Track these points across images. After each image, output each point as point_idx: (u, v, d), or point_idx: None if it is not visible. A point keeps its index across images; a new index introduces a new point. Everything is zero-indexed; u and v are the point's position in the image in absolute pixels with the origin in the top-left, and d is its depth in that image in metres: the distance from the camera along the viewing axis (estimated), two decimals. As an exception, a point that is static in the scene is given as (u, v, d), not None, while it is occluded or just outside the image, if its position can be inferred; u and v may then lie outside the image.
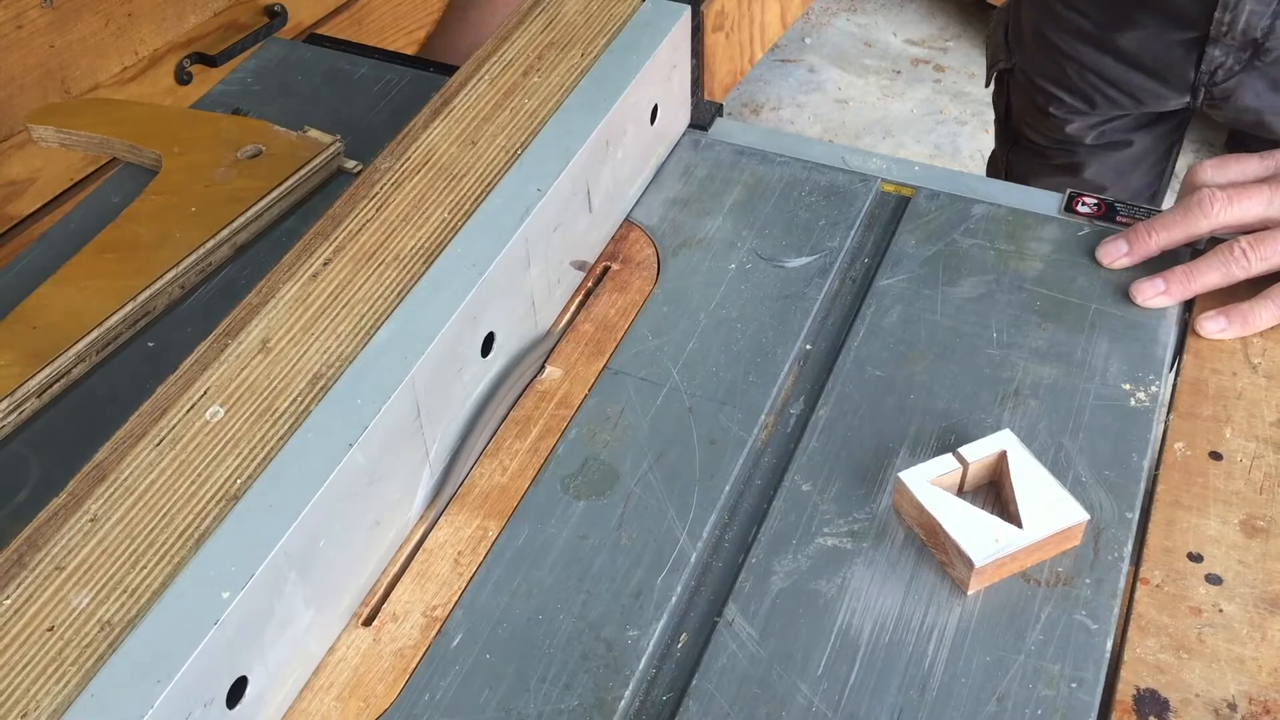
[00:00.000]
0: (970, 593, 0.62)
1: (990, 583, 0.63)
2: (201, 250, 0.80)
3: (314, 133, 0.88)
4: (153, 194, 0.84)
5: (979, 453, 0.66)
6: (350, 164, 0.88)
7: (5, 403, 0.71)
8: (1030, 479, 0.65)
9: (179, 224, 0.82)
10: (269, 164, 0.86)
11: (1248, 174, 0.74)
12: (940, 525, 0.63)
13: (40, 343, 0.74)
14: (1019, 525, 0.63)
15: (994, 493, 0.67)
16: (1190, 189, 0.75)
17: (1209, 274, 0.72)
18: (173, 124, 0.91)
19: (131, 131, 0.89)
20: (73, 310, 0.76)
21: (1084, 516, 0.63)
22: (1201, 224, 0.72)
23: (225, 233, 0.81)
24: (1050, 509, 0.63)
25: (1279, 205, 0.71)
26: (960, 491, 0.67)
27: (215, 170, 0.85)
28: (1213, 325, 0.72)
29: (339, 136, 0.88)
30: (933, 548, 0.64)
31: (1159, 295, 0.73)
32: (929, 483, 0.65)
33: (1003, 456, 0.66)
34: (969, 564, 0.61)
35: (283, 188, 0.84)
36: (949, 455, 0.66)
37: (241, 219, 0.82)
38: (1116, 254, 0.75)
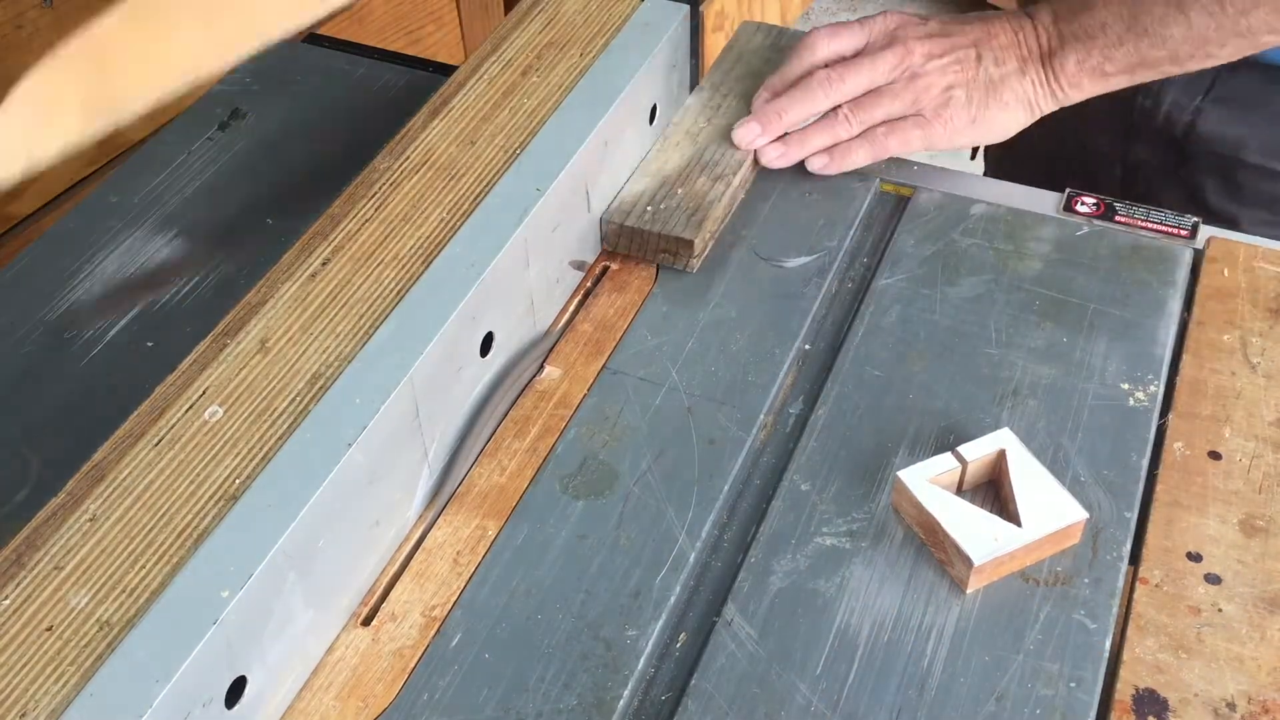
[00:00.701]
0: (969, 591, 0.62)
1: (989, 581, 0.63)
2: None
3: None
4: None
5: (978, 451, 0.66)
6: None
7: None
8: (1029, 478, 0.65)
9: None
10: None
11: (854, 41, 0.85)
12: (939, 524, 0.63)
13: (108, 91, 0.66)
14: (1018, 524, 0.63)
15: (993, 491, 0.67)
16: (806, 57, 0.85)
17: (820, 136, 0.84)
18: None
19: None
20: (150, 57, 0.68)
21: (1083, 515, 0.63)
22: (823, 105, 0.83)
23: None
24: (1049, 508, 0.63)
25: (879, 73, 0.83)
26: (959, 490, 0.67)
27: None
28: (817, 162, 0.84)
29: None
30: (932, 546, 0.64)
31: (780, 157, 0.84)
32: (928, 481, 0.65)
33: (1001, 455, 0.66)
34: (968, 563, 0.61)
35: None
36: (948, 454, 0.66)
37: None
38: (751, 135, 0.83)
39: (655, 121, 0.84)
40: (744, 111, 0.86)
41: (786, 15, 2.56)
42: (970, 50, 0.82)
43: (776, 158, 0.84)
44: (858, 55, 0.84)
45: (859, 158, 0.83)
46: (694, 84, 0.90)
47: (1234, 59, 0.80)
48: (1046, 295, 0.77)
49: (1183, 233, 0.81)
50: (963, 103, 0.82)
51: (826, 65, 0.84)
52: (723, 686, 0.59)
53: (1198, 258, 0.80)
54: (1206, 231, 0.81)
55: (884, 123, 0.83)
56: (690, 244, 0.78)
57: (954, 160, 0.89)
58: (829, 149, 0.84)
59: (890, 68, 0.82)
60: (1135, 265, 0.79)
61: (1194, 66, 0.80)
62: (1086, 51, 0.81)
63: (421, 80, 0.96)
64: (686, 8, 0.85)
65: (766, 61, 0.91)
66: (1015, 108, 0.83)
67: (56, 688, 0.51)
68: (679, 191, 0.82)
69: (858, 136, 0.83)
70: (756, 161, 0.85)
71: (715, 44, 2.27)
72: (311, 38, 1.07)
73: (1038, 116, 0.84)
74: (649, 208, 0.80)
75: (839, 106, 0.83)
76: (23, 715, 0.50)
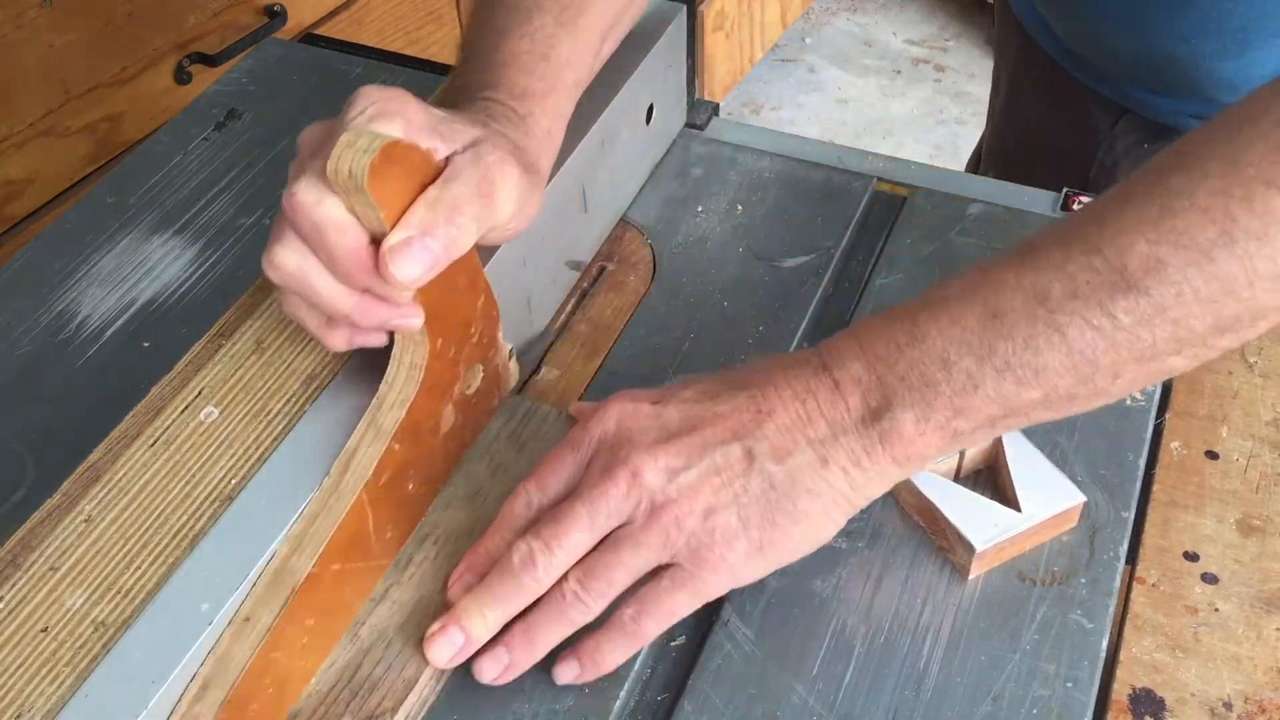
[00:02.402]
0: (970, 578, 0.63)
1: (990, 566, 0.63)
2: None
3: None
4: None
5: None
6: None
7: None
8: (1026, 463, 0.65)
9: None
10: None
11: (563, 478, 0.60)
12: (940, 511, 0.63)
13: None
14: (1017, 509, 0.63)
15: (991, 478, 0.67)
16: (508, 522, 0.60)
17: (550, 631, 0.58)
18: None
19: None
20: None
21: (1080, 498, 0.64)
22: (537, 589, 0.57)
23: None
24: (1047, 492, 0.64)
25: (603, 517, 0.57)
26: (957, 478, 0.67)
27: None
28: (567, 674, 0.58)
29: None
30: (933, 534, 0.64)
31: (505, 672, 0.58)
32: (926, 469, 0.65)
33: (998, 442, 0.66)
34: (970, 549, 0.62)
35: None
36: None
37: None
38: (450, 653, 0.57)
39: (651, 123, 0.84)
40: (454, 559, 0.61)
41: (786, 16, 2.56)
42: (731, 446, 0.57)
43: (497, 676, 0.58)
44: (573, 493, 0.58)
45: (615, 657, 0.58)
46: (691, 84, 0.89)
47: (1123, 395, 0.56)
48: (1044, 295, 0.77)
49: (1180, 232, 0.81)
50: (735, 529, 0.56)
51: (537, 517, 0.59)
52: (719, 687, 0.59)
53: (1195, 257, 0.80)
54: (1204, 231, 0.81)
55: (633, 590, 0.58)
56: None
57: (952, 160, 0.88)
58: (576, 652, 0.58)
59: (618, 505, 0.57)
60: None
61: (1077, 410, 0.56)
62: (927, 405, 0.55)
63: (419, 80, 0.96)
64: (683, 7, 0.85)
65: (496, 472, 0.65)
66: (822, 513, 0.57)
67: (52, 689, 0.51)
68: None
69: (605, 627, 0.58)
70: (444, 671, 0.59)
71: (715, 44, 2.27)
72: (308, 38, 1.08)
73: (865, 505, 0.59)
74: None
75: (564, 580, 0.57)
76: (18, 716, 0.50)
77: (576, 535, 0.57)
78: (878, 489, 0.58)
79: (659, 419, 0.58)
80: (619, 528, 0.57)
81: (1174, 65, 0.86)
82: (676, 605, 0.57)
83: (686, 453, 0.57)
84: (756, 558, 0.57)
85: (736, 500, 0.56)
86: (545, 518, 0.58)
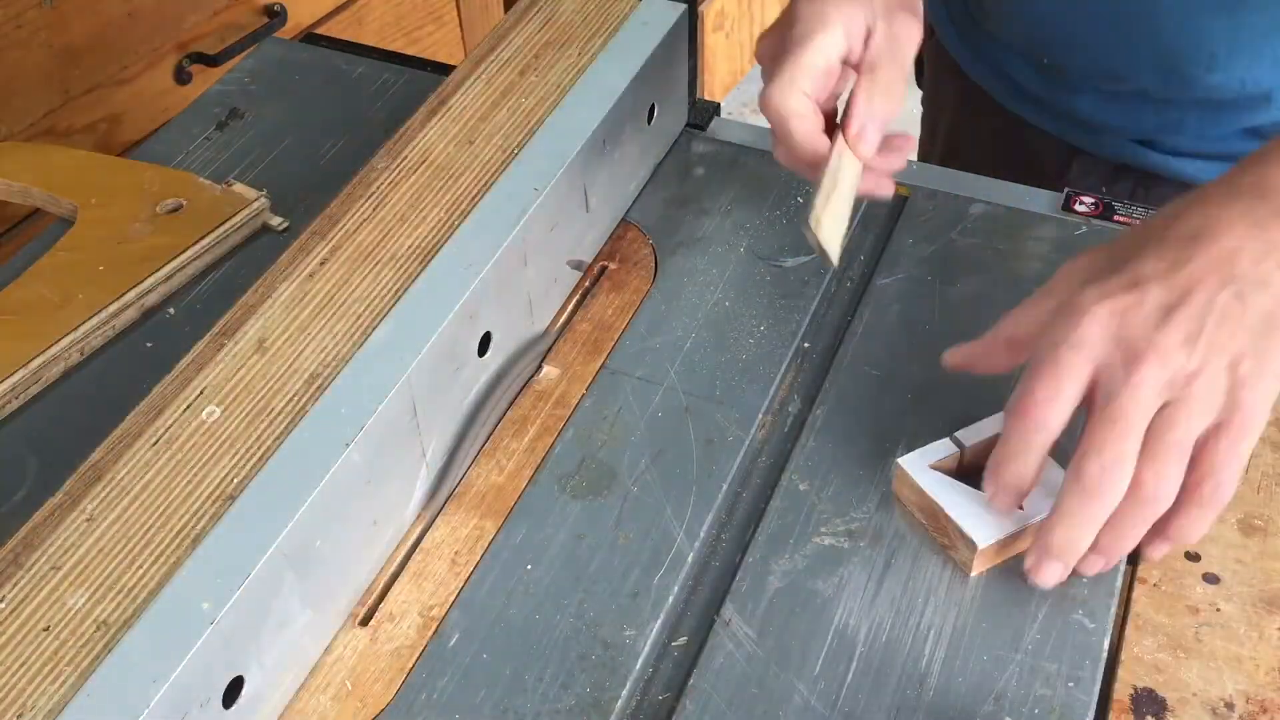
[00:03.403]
0: (973, 575, 0.63)
1: (992, 564, 0.63)
2: (104, 313, 0.76)
3: (239, 187, 0.85)
4: (62, 250, 0.79)
5: (975, 436, 0.66)
6: (276, 221, 0.84)
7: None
8: None
9: (85, 284, 0.77)
10: (188, 220, 0.82)
11: (1066, 402, 0.60)
12: (941, 508, 0.63)
13: None
14: (1019, 506, 0.63)
15: None
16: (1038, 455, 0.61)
17: (1139, 527, 0.59)
18: (94, 173, 0.87)
19: (50, 180, 0.85)
20: None
21: None
22: (1116, 500, 0.59)
23: (131, 294, 0.77)
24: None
25: (1143, 423, 0.58)
26: (958, 475, 0.67)
27: (131, 225, 0.81)
28: (1159, 549, 0.62)
29: (264, 191, 0.84)
30: (935, 532, 0.64)
31: (1103, 566, 0.62)
32: (928, 467, 0.65)
33: (998, 439, 0.66)
34: (972, 546, 0.62)
35: (198, 247, 0.80)
36: (946, 440, 0.66)
37: (150, 280, 0.78)
38: (1055, 577, 0.61)
39: (653, 122, 0.84)
40: None
41: (786, 15, 2.56)
42: (1221, 295, 0.59)
43: (1098, 570, 0.62)
44: (1107, 410, 0.58)
45: (1202, 529, 0.60)
46: (693, 84, 0.90)
47: None
48: (1045, 295, 0.77)
49: (1181, 232, 0.81)
50: (1260, 369, 0.58)
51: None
52: (721, 686, 0.59)
53: (1196, 257, 0.79)
54: (1205, 231, 0.81)
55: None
56: None
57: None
58: (1164, 533, 0.60)
59: (1154, 399, 0.58)
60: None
61: None
62: None
63: (420, 80, 0.96)
64: (684, 7, 0.85)
65: None
66: None
67: (54, 688, 0.51)
68: None
69: (1188, 503, 0.59)
70: None
71: (715, 44, 2.27)
72: (310, 37, 1.07)
73: None
74: None
75: (1140, 478, 0.58)
76: (20, 715, 0.50)
77: (1130, 444, 0.58)
78: None
79: (1147, 304, 0.59)
80: (1161, 408, 0.58)
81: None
82: (1241, 459, 0.59)
83: (1191, 320, 0.58)
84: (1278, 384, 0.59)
85: (1251, 341, 0.58)
86: (1094, 436, 0.58)
